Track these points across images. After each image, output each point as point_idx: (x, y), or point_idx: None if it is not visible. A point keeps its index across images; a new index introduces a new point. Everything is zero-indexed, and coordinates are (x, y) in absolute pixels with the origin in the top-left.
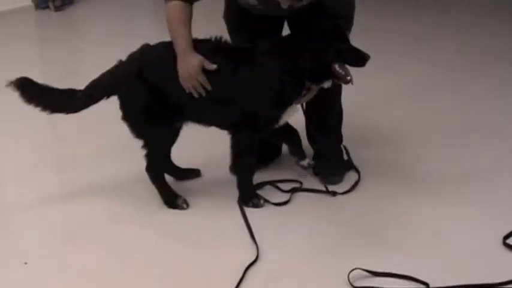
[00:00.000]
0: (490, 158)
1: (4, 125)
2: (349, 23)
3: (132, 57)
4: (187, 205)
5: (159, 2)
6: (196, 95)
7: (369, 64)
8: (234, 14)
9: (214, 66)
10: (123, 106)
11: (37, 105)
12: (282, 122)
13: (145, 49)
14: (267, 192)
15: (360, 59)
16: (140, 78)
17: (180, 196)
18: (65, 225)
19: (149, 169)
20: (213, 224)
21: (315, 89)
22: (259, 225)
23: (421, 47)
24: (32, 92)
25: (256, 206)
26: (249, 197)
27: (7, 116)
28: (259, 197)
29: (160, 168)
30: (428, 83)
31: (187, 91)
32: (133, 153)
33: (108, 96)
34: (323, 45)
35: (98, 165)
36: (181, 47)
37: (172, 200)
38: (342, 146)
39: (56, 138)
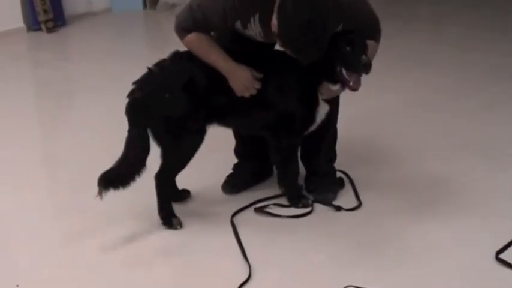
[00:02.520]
0: (483, 173)
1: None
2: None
3: (170, 65)
4: (181, 226)
5: (151, 21)
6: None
7: (362, 82)
8: (226, 38)
9: (260, 75)
10: (160, 111)
11: (129, 182)
12: (318, 120)
13: (183, 56)
14: (272, 209)
15: (357, 63)
16: (187, 85)
17: (176, 216)
18: (58, 247)
19: (161, 180)
20: (205, 242)
21: (330, 87)
22: (252, 244)
23: (414, 64)
24: (117, 178)
25: (306, 206)
26: (297, 198)
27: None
28: (306, 197)
29: (172, 182)
30: (421, 99)
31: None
32: None
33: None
34: (329, 46)
35: (90, 185)
36: (226, 67)
37: (169, 219)
38: (343, 172)
39: (50, 159)
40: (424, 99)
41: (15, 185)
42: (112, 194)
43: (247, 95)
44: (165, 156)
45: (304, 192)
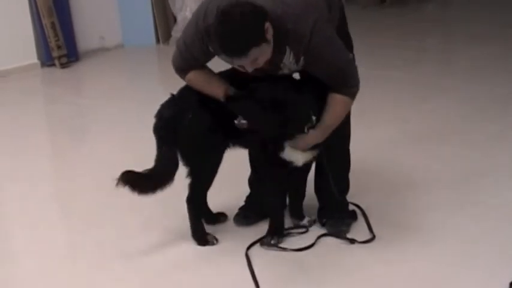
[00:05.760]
0: (493, 204)
1: (12, 184)
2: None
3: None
4: (217, 241)
5: (163, 56)
6: None
7: (372, 113)
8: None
9: None
10: (183, 130)
11: (147, 192)
12: (285, 155)
13: None
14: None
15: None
16: (206, 105)
17: (209, 233)
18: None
19: (191, 201)
20: (218, 276)
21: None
22: (266, 278)
23: (423, 95)
24: (138, 183)
25: (271, 245)
26: (274, 233)
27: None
28: (282, 237)
29: (201, 200)
30: (430, 130)
31: None
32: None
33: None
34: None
35: (104, 219)
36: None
37: (204, 239)
38: (355, 205)
39: (64, 193)
40: (435, 130)
41: (29, 219)
42: (122, 232)
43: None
44: (190, 174)
45: (317, 226)
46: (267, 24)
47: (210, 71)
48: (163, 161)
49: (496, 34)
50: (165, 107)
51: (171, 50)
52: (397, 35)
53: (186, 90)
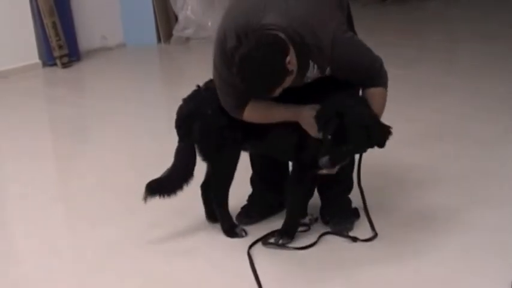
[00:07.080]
0: (498, 204)
1: (15, 185)
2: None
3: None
4: (246, 233)
5: (165, 55)
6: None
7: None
8: None
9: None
10: (201, 125)
11: (175, 191)
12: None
13: None
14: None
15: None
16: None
17: (238, 225)
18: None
19: (216, 195)
20: (220, 275)
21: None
22: (268, 276)
23: (426, 94)
24: (164, 186)
25: (278, 244)
26: (288, 234)
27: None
28: (290, 238)
29: (226, 194)
30: (433, 129)
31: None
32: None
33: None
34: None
35: (107, 220)
36: (291, 114)
37: (232, 230)
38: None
39: (66, 194)
40: (437, 129)
41: (32, 221)
42: (124, 232)
43: (316, 133)
44: (209, 169)
45: (319, 224)
46: (289, 58)
47: (269, 101)
48: (180, 156)
49: (498, 32)
50: (186, 101)
51: (172, 49)
52: (398, 33)
53: (210, 83)
